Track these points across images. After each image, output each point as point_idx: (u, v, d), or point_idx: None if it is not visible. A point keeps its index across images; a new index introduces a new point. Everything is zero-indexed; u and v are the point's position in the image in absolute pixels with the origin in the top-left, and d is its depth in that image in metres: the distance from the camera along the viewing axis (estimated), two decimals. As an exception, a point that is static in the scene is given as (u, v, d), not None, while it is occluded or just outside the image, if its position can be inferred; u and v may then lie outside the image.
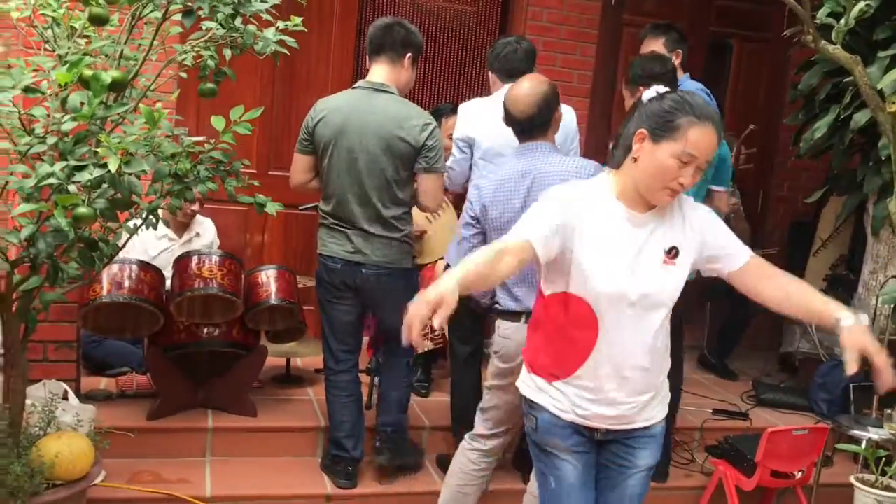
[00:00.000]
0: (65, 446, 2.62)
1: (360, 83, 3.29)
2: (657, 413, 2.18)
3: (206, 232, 4.18)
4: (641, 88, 3.35)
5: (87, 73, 2.11)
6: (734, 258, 2.08)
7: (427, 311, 1.71)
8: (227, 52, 2.77)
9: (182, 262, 3.41)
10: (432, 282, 1.96)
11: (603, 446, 2.19)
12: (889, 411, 3.84)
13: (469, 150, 3.42)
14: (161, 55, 2.70)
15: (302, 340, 3.97)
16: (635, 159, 1.99)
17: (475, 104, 3.45)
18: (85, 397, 3.48)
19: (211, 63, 2.73)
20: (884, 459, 3.42)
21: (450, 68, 5.21)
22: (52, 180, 2.09)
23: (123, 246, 2.70)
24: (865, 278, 4.59)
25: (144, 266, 3.38)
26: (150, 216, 2.70)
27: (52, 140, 2.20)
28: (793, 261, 5.21)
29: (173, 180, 2.67)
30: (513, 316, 2.85)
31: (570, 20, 4.98)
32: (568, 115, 3.31)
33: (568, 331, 2.08)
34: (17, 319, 2.59)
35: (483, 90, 5.23)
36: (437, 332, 3.98)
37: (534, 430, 2.21)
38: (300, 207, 4.11)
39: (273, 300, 3.53)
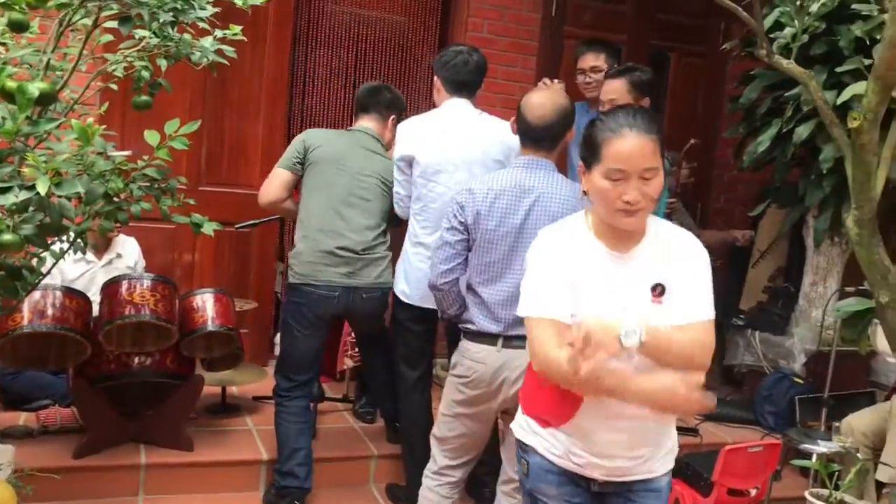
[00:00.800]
0: (-18, 497, 2.37)
1: (358, 129, 3.45)
2: (660, 466, 2.00)
3: (128, 253, 3.93)
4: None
5: (11, 84, 1.89)
6: (692, 311, 1.86)
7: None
8: (163, 63, 2.58)
9: (111, 287, 3.17)
10: None
11: (602, 499, 2.02)
12: (837, 424, 3.86)
13: (409, 169, 3.29)
14: (90, 65, 2.49)
15: (239, 367, 3.75)
16: (585, 192, 1.91)
17: (412, 122, 3.31)
18: (2, 435, 3.20)
19: (145, 74, 2.53)
20: (837, 474, 3.42)
21: (389, 80, 5.07)
22: (-32, 204, 1.87)
23: (48, 273, 2.47)
24: (806, 290, 4.64)
25: (70, 292, 3.13)
26: (79, 240, 2.48)
27: (-33, 160, 1.97)
28: (732, 273, 5.25)
29: (104, 201, 2.46)
30: (489, 339, 2.67)
31: (511, 31, 4.92)
32: (510, 132, 3.22)
33: None
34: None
35: (424, 102, 5.14)
36: (356, 350, 3.93)
37: (525, 476, 2.04)
38: (237, 226, 3.90)
39: (210, 326, 3.32)
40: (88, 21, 2.30)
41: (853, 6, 3.53)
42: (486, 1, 4.85)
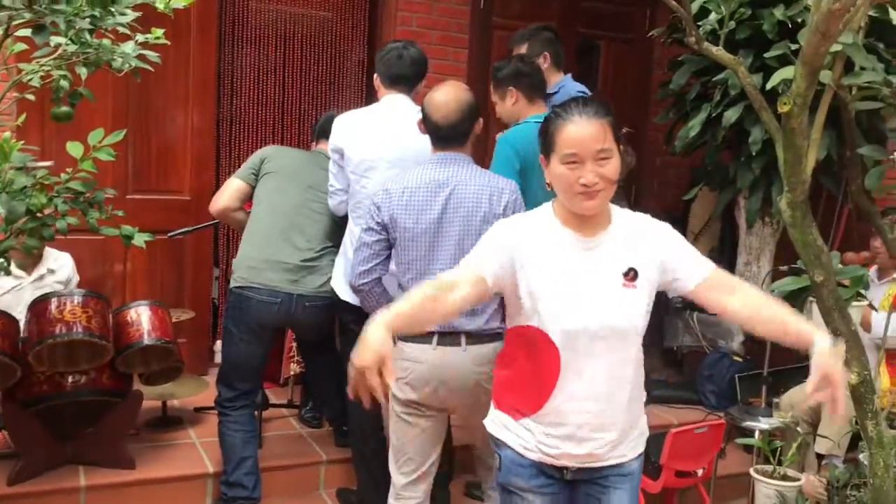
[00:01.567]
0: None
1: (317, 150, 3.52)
2: (630, 451, 2.03)
3: (61, 268, 3.76)
4: (511, 89, 3.29)
5: (-83, 100, 1.78)
6: (695, 273, 1.96)
7: (371, 377, 1.65)
8: (82, 71, 2.47)
9: (39, 305, 3.04)
10: None
11: (575, 487, 2.04)
12: (776, 400, 3.96)
13: (342, 161, 3.22)
14: (3, 75, 2.37)
15: (179, 380, 3.64)
16: (549, 184, 1.96)
17: (349, 116, 3.25)
18: (-71, 466, 3.06)
19: (64, 84, 2.41)
20: (779, 449, 3.51)
21: (320, 77, 5.00)
22: None
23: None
24: (740, 269, 4.73)
25: (-6, 312, 2.99)
26: (2, 259, 2.37)
27: None
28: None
29: (27, 217, 2.34)
30: (423, 338, 2.61)
31: (441, 24, 4.88)
32: None
33: (531, 365, 1.96)
34: None
35: (354, 96, 5.08)
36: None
37: (498, 470, 2.07)
38: (169, 234, 3.80)
39: (147, 340, 3.21)
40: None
41: (775, -10, 3.61)
42: (415, -6, 4.81)
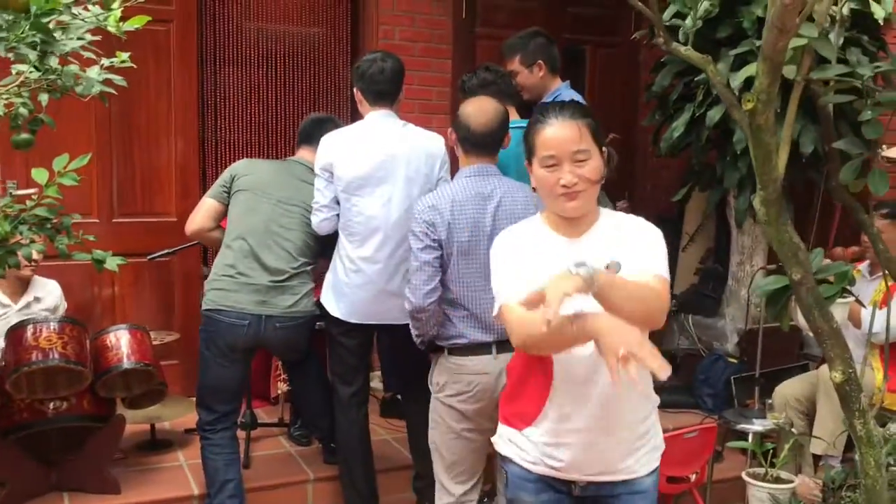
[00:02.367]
0: None
1: (293, 159, 3.47)
2: (641, 466, 1.96)
3: (48, 295, 3.78)
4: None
5: None
6: (636, 268, 1.85)
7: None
8: (44, 98, 2.47)
9: (16, 332, 3.05)
10: None
11: None
12: (769, 401, 3.90)
13: (331, 178, 3.21)
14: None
15: (165, 402, 3.64)
16: (534, 189, 1.99)
17: (337, 134, 3.23)
18: (-87, 498, 3.06)
19: (23, 111, 2.41)
20: (771, 452, 3.45)
21: (303, 94, 5.00)
22: None
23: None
24: (734, 269, 4.69)
25: (-31, 342, 3.00)
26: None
27: None
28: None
29: (-8, 246, 2.34)
30: (483, 349, 2.69)
31: (423, 36, 4.87)
32: (436, 143, 3.18)
33: (527, 369, 1.96)
34: None
35: (339, 112, 5.06)
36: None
37: (505, 487, 2.06)
38: (149, 257, 3.80)
39: (126, 364, 3.21)
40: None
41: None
42: (396, 7, 4.80)
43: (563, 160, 1.87)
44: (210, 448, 3.18)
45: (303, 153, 3.44)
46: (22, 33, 2.15)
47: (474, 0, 5.07)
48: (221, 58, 4.70)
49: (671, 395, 4.55)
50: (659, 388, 4.83)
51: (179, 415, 3.86)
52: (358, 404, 3.31)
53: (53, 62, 2.42)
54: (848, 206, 3.27)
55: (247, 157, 4.85)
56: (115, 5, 2.40)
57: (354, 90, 3.23)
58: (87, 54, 2.47)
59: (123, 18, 2.37)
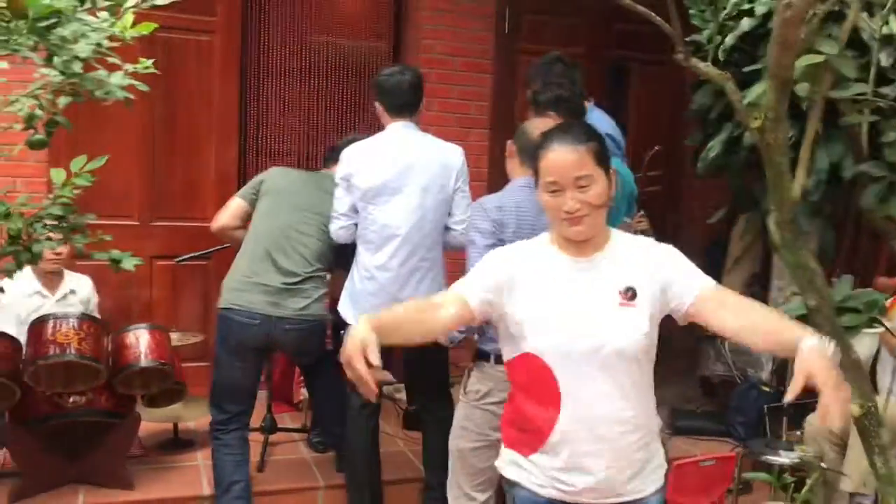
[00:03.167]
0: None
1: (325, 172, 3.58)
2: (648, 484, 1.94)
3: (81, 288, 3.92)
4: (551, 113, 3.24)
5: None
6: (692, 285, 1.87)
7: (358, 364, 1.66)
8: (63, 100, 2.56)
9: (37, 327, 3.16)
10: None
11: None
12: (800, 432, 3.75)
13: (350, 187, 3.24)
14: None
15: (186, 401, 3.71)
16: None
17: (356, 146, 3.28)
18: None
19: (38, 112, 2.51)
20: (792, 486, 3.30)
21: (346, 106, 5.05)
22: None
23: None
24: (774, 295, 4.54)
25: (-6, 335, 3.12)
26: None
27: None
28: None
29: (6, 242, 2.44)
30: None
31: (464, 51, 4.89)
32: (453, 154, 3.19)
33: (531, 395, 1.92)
34: None
35: (378, 127, 5.10)
36: None
37: None
38: (176, 259, 3.90)
39: (143, 362, 3.28)
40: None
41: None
42: (438, 21, 4.83)
43: (566, 186, 1.85)
44: (221, 448, 3.23)
45: (333, 168, 3.48)
46: (18, 37, 2.22)
47: (519, 16, 5.06)
48: (265, 68, 4.80)
49: (702, 422, 4.43)
50: (689, 413, 4.69)
51: (203, 415, 3.92)
52: (368, 415, 3.31)
53: (77, 67, 2.53)
54: (881, 231, 3.14)
55: (287, 165, 4.96)
56: (128, 13, 2.48)
57: (375, 103, 3.27)
58: (112, 59, 2.57)
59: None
